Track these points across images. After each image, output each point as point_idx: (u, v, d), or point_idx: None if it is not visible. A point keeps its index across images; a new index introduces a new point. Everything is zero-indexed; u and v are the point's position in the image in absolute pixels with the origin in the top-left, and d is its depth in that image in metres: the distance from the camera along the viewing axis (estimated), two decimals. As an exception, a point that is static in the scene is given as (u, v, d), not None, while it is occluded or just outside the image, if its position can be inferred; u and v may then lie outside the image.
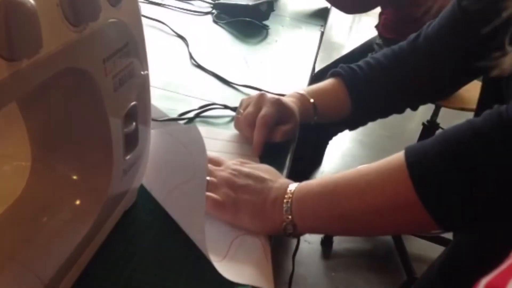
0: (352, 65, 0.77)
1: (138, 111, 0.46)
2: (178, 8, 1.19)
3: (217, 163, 0.58)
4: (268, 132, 0.65)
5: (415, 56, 0.74)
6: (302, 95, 0.73)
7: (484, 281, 0.25)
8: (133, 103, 0.45)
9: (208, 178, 0.53)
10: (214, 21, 1.15)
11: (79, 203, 0.43)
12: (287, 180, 0.55)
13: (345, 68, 0.76)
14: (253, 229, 0.52)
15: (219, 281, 0.44)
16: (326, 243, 1.76)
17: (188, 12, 1.18)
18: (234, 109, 0.75)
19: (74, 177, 0.44)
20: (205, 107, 0.74)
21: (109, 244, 0.47)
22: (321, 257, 1.73)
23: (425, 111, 1.67)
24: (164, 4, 1.19)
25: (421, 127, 1.75)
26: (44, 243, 0.39)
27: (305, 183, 0.53)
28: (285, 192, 0.52)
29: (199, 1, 1.26)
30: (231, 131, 0.70)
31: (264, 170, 0.56)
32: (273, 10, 1.21)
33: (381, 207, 0.47)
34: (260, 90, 0.82)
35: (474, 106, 1.43)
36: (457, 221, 0.46)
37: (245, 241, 0.51)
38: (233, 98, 0.79)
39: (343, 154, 2.35)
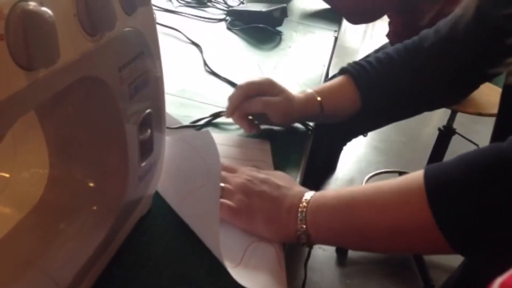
0: (362, 61, 0.75)
1: (153, 118, 0.47)
2: (193, 15, 1.20)
3: (232, 170, 0.58)
4: (245, 96, 0.68)
5: (427, 53, 0.72)
6: (310, 93, 0.72)
7: (498, 280, 0.25)
8: (148, 110, 0.45)
9: (222, 184, 0.53)
10: (228, 28, 1.16)
11: (95, 209, 0.44)
12: (302, 188, 0.54)
13: (353, 65, 0.75)
14: (267, 236, 0.52)
15: (233, 287, 0.44)
16: (341, 250, 1.75)
17: (202, 19, 1.19)
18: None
19: (91, 184, 0.44)
20: (216, 114, 0.75)
21: (125, 250, 0.47)
22: (336, 264, 1.72)
23: (441, 116, 1.65)
24: (178, 12, 1.20)
25: (437, 132, 1.73)
26: (62, 249, 0.40)
27: (321, 194, 0.52)
28: (300, 201, 0.51)
29: (213, 8, 1.27)
30: (245, 137, 0.70)
31: (279, 177, 0.56)
32: (286, 16, 1.21)
33: (396, 227, 0.46)
34: (274, 96, 0.83)
35: (490, 111, 1.42)
36: (474, 247, 0.45)
37: (259, 248, 0.51)
38: (247, 105, 0.80)
39: (358, 160, 2.34)
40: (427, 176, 0.46)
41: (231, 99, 0.69)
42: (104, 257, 0.43)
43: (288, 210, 0.51)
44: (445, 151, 1.73)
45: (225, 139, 0.69)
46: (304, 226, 0.50)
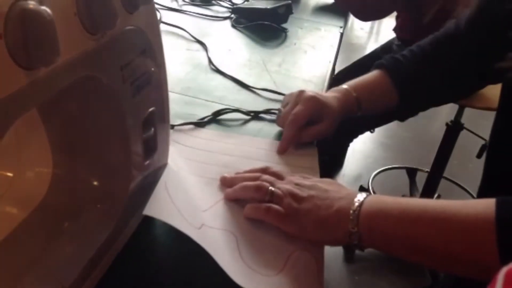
0: (395, 55, 0.76)
1: (157, 116, 0.46)
2: (197, 13, 1.20)
3: (280, 177, 0.57)
4: (298, 130, 0.67)
5: (459, 42, 0.72)
6: (345, 89, 0.72)
7: (504, 269, 0.25)
8: (151, 108, 0.45)
9: (272, 188, 0.53)
10: (233, 26, 1.16)
11: (99, 208, 0.44)
12: (352, 191, 0.53)
13: (387, 59, 0.75)
14: (316, 239, 0.51)
15: (236, 285, 0.44)
16: (349, 247, 1.74)
17: (207, 17, 1.19)
18: (247, 113, 0.75)
19: (95, 183, 0.44)
20: (219, 112, 0.74)
21: (129, 249, 0.47)
22: (344, 260, 1.71)
23: (448, 111, 1.64)
24: (183, 10, 1.20)
25: (444, 127, 1.71)
26: (65, 248, 0.40)
27: (378, 198, 0.50)
28: (351, 203, 0.50)
29: (218, 6, 1.27)
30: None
31: (327, 183, 0.54)
32: (291, 13, 1.21)
33: (457, 255, 0.45)
34: (279, 93, 0.82)
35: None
36: None
37: (301, 258, 0.49)
38: (252, 102, 0.79)
39: (365, 156, 2.33)
40: (499, 212, 0.43)
41: (284, 134, 0.68)
42: (108, 256, 0.43)
43: (337, 212, 0.50)
44: (453, 147, 1.72)
45: (271, 144, 0.68)
46: (356, 228, 0.48)
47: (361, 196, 0.50)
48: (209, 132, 0.70)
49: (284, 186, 0.54)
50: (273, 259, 0.48)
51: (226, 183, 0.57)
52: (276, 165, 0.60)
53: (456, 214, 0.46)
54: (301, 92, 0.69)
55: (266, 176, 0.55)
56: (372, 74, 0.75)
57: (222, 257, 0.46)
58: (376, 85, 0.74)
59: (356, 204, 0.49)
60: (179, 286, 0.45)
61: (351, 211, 0.49)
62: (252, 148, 0.67)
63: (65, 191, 0.44)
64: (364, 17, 1.39)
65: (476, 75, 0.73)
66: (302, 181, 0.55)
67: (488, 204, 0.45)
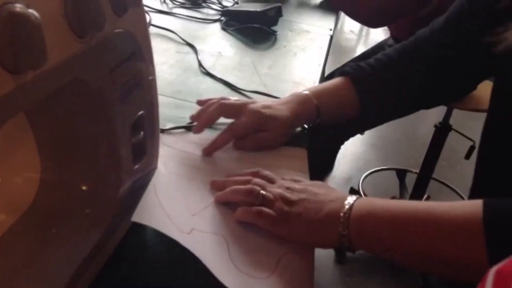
0: (360, 63, 0.74)
1: (146, 120, 0.46)
2: (187, 16, 1.19)
3: (270, 180, 0.57)
4: (231, 139, 0.66)
5: (422, 50, 0.72)
6: (306, 95, 0.71)
7: (494, 269, 0.25)
8: (140, 112, 0.45)
9: (263, 192, 0.53)
10: (223, 28, 1.16)
11: (88, 212, 0.43)
12: (342, 194, 0.53)
13: (352, 66, 0.74)
14: (307, 242, 0.51)
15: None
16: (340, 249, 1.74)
17: (197, 20, 1.19)
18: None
19: (83, 187, 0.44)
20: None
21: (119, 254, 0.47)
22: (335, 262, 1.72)
23: (437, 113, 1.65)
24: (173, 13, 1.20)
25: (433, 129, 1.73)
26: (54, 254, 0.40)
27: (367, 201, 0.51)
28: (341, 205, 0.50)
29: (208, 9, 1.27)
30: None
31: (318, 186, 0.55)
32: (281, 16, 1.21)
33: (447, 260, 0.45)
34: (269, 96, 0.82)
35: (487, 106, 1.41)
36: None
37: (293, 261, 0.49)
38: (242, 105, 0.79)
39: (355, 158, 2.34)
40: (486, 213, 0.44)
41: (218, 138, 0.66)
42: (98, 260, 0.43)
43: (327, 215, 0.50)
44: (441, 148, 1.73)
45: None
46: (346, 231, 0.49)
47: (351, 199, 0.51)
48: (199, 135, 0.69)
49: (275, 189, 0.54)
50: (264, 262, 0.48)
51: (216, 186, 0.57)
52: (266, 168, 0.60)
53: (444, 215, 0.46)
54: (246, 104, 0.67)
55: (256, 180, 0.55)
56: (336, 81, 0.74)
57: (213, 261, 0.45)
58: (339, 92, 0.73)
59: (346, 207, 0.50)
60: (170, 290, 0.45)
61: (342, 214, 0.49)
62: (242, 151, 0.67)
63: (54, 196, 0.43)
64: (372, 24, 1.35)
65: (457, 79, 0.72)
66: (293, 184, 0.55)
67: (475, 205, 0.45)
